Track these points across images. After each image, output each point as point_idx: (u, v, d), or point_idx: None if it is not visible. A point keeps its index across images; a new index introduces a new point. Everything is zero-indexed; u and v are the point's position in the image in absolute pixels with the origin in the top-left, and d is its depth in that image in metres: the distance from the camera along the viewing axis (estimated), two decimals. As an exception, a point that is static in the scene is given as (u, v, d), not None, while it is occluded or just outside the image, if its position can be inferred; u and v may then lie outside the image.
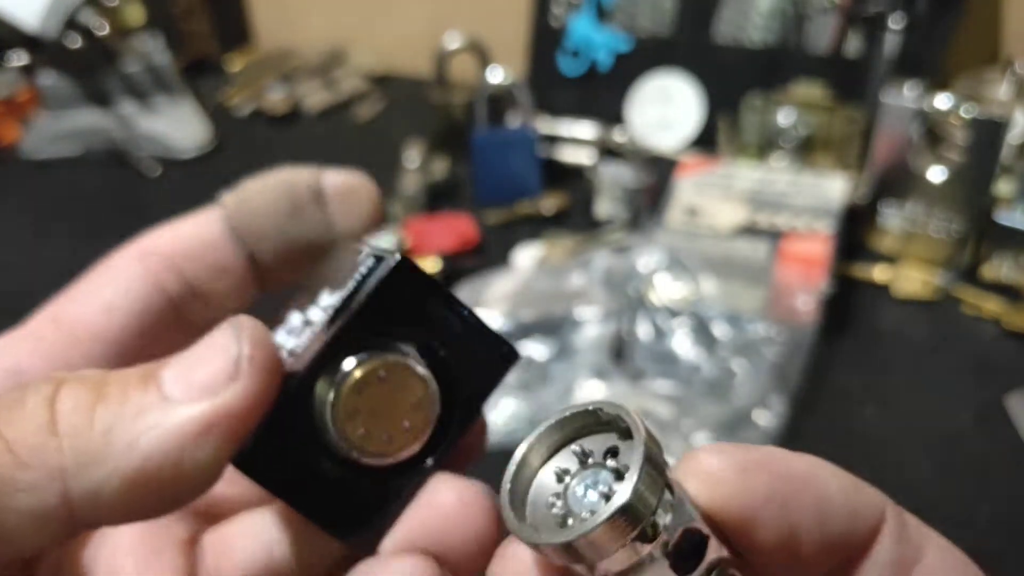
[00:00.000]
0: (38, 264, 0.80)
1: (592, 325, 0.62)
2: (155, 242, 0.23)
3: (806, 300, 0.63)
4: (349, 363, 0.18)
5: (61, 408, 0.16)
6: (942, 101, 0.68)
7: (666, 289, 0.63)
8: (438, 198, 0.84)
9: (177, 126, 0.97)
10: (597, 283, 0.66)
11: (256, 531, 0.21)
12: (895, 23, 0.78)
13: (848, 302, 0.68)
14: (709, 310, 0.62)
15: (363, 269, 0.19)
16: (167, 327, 0.22)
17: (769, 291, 0.64)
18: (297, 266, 0.23)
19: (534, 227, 0.79)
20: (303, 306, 0.20)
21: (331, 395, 0.18)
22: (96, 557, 0.21)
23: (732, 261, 0.66)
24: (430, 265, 0.71)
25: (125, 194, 0.91)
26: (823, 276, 0.64)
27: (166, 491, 0.17)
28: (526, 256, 0.74)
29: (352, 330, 0.19)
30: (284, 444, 0.19)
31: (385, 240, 0.72)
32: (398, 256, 0.19)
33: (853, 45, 0.82)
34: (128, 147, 0.95)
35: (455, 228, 0.76)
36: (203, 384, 0.17)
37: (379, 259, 0.19)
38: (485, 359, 0.20)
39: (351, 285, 0.19)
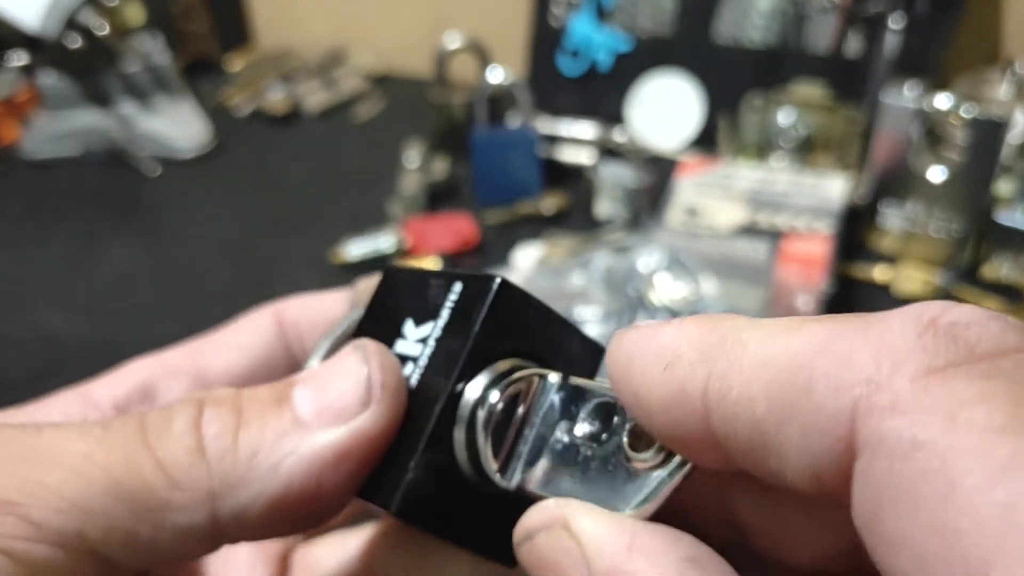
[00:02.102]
0: (38, 265, 0.80)
1: (592, 325, 0.62)
2: (290, 306, 0.25)
3: (806, 300, 0.63)
4: (492, 394, 0.19)
5: (207, 432, 0.17)
6: (942, 101, 0.68)
7: (666, 289, 0.63)
8: (438, 198, 0.84)
9: (177, 126, 0.97)
10: (597, 283, 0.66)
11: (341, 552, 0.23)
12: (895, 23, 0.78)
13: (848, 302, 0.68)
14: (709, 310, 0.62)
15: (453, 296, 0.19)
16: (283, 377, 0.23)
17: (769, 291, 0.64)
18: None
19: (534, 227, 0.79)
20: (379, 338, 0.20)
21: (479, 422, 0.18)
22: (199, 566, 0.22)
23: (732, 261, 0.66)
24: (430, 265, 0.71)
25: (125, 194, 0.91)
26: (823, 276, 0.64)
27: (305, 512, 0.18)
28: (526, 256, 0.74)
29: (478, 354, 0.19)
30: (431, 477, 0.18)
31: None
32: (499, 278, 0.19)
33: (853, 45, 0.82)
34: (128, 147, 0.95)
35: (455, 228, 0.76)
36: (336, 409, 0.18)
37: (467, 281, 0.19)
38: (580, 359, 0.21)
39: (446, 314, 0.19)
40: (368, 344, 0.19)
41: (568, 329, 0.20)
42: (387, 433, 0.18)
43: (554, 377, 0.19)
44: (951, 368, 0.12)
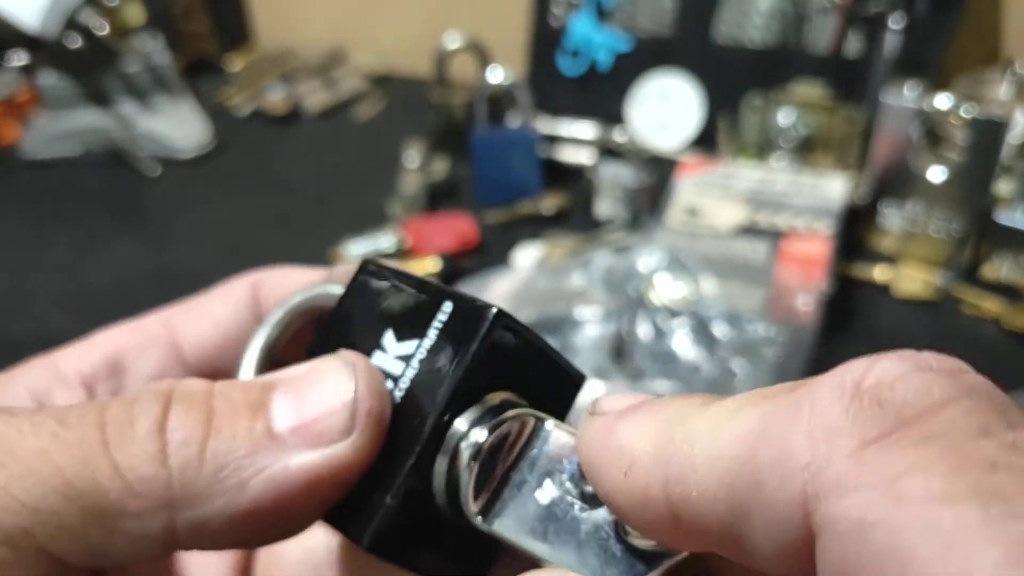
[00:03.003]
0: (38, 264, 0.80)
1: (592, 325, 0.62)
2: (267, 278, 0.23)
3: (806, 300, 0.63)
4: (479, 432, 0.17)
5: (172, 438, 0.16)
6: (942, 101, 0.68)
7: (666, 289, 0.63)
8: (438, 198, 0.84)
9: (177, 126, 0.97)
10: (597, 283, 0.66)
11: (306, 546, 0.22)
12: (895, 23, 0.78)
13: (848, 302, 0.68)
14: (709, 310, 0.62)
15: (442, 317, 0.18)
16: None
17: (769, 291, 0.64)
18: None
19: (534, 227, 0.79)
20: (359, 345, 0.19)
21: (464, 459, 0.17)
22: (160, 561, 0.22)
23: (732, 261, 0.66)
24: (430, 265, 0.71)
25: (125, 194, 0.91)
26: (823, 276, 0.64)
27: (267, 530, 0.17)
28: (526, 256, 0.74)
29: (467, 387, 0.17)
30: (405, 511, 0.18)
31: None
32: (495, 308, 0.18)
33: (853, 45, 0.82)
34: (128, 147, 0.95)
35: (455, 228, 0.76)
36: (316, 431, 0.16)
37: (458, 304, 0.18)
38: (560, 387, 0.20)
39: (433, 335, 0.18)
40: (358, 361, 0.17)
41: (557, 362, 0.19)
42: (365, 463, 0.17)
43: (550, 424, 0.18)
44: (883, 439, 0.12)
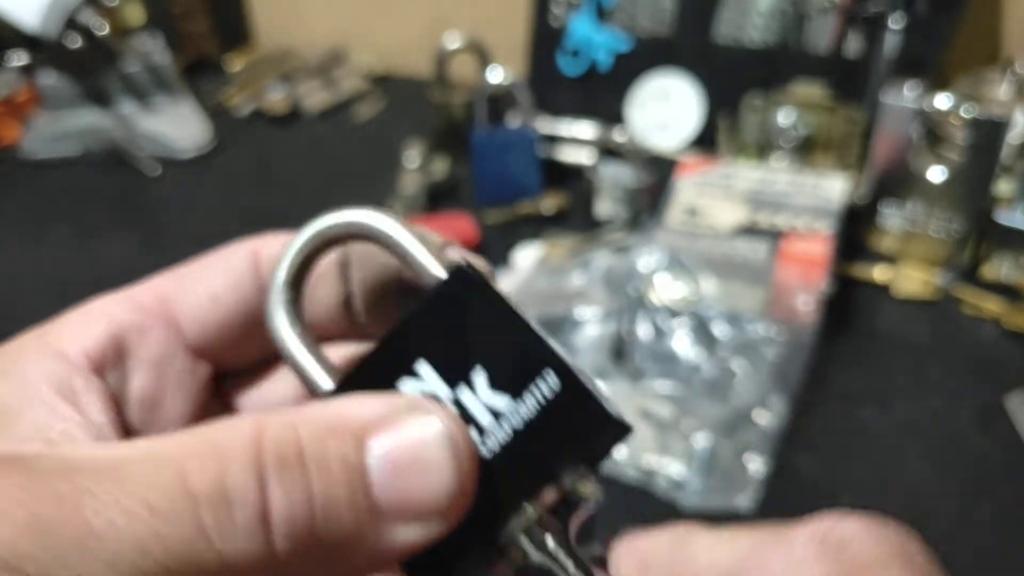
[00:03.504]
0: (38, 264, 0.80)
1: (592, 325, 0.62)
2: (268, 244, 0.22)
3: (806, 300, 0.63)
4: (547, 494, 0.18)
5: (277, 529, 0.15)
6: (942, 101, 0.68)
7: (666, 289, 0.63)
8: (438, 198, 0.84)
9: (177, 126, 0.97)
10: (597, 283, 0.66)
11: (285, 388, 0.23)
12: (895, 23, 0.78)
13: (848, 302, 0.68)
14: (709, 310, 0.62)
15: (545, 389, 0.17)
16: (261, 327, 0.21)
17: (769, 291, 0.64)
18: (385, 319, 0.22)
19: (534, 227, 0.79)
20: (446, 371, 0.18)
21: (526, 527, 0.18)
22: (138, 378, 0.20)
23: (732, 261, 0.66)
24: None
25: (125, 194, 0.91)
26: (823, 276, 0.64)
27: None
28: (526, 256, 0.74)
29: (550, 467, 0.17)
30: (454, 555, 0.18)
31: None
32: (624, 423, 0.18)
33: (853, 45, 0.82)
34: (128, 147, 0.95)
35: (455, 228, 0.76)
36: (418, 512, 0.16)
37: (568, 383, 0.17)
38: (607, 438, 0.19)
39: (533, 406, 0.17)
40: (459, 439, 0.16)
41: (618, 420, 0.19)
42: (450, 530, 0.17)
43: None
44: None
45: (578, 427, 0.17)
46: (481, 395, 0.18)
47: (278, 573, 0.15)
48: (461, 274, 0.18)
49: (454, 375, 0.18)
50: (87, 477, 0.14)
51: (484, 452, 0.17)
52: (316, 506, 0.15)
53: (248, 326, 0.21)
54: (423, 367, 0.18)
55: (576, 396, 0.17)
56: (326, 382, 0.19)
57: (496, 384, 0.18)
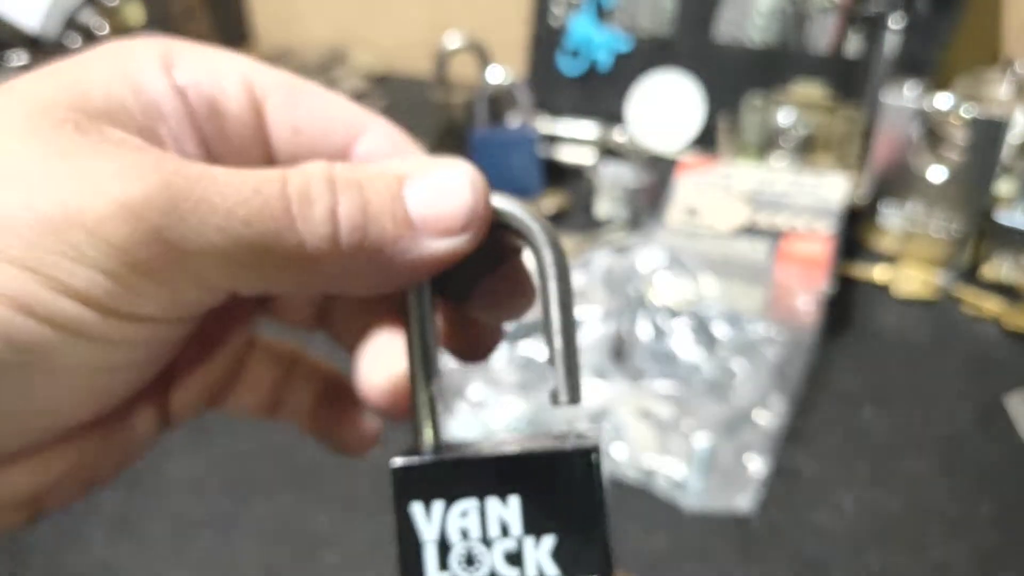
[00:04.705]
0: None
1: (592, 325, 0.62)
2: (181, 50, 0.22)
3: (806, 300, 0.63)
4: None
5: (343, 225, 0.19)
6: (942, 101, 0.68)
7: (666, 289, 0.63)
8: (438, 198, 0.84)
9: (177, 126, 0.97)
10: (597, 283, 0.66)
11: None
12: (895, 23, 0.78)
13: (848, 302, 0.68)
14: (709, 310, 0.62)
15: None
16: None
17: (769, 291, 0.64)
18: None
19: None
20: (524, 513, 0.20)
21: None
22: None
23: (732, 261, 0.66)
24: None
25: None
26: (823, 276, 0.64)
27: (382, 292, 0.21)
28: (526, 256, 0.73)
29: None
30: None
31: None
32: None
33: (853, 45, 0.82)
34: (128, 147, 0.95)
35: (455, 228, 0.76)
36: (446, 226, 0.20)
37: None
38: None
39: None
40: (478, 180, 0.20)
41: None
42: (464, 256, 0.20)
43: None
44: None
45: None
46: (540, 555, 0.20)
47: (338, 265, 0.19)
48: (593, 455, 0.20)
49: (532, 525, 0.20)
50: (209, 167, 0.18)
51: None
52: (368, 213, 0.19)
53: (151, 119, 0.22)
54: (513, 500, 0.20)
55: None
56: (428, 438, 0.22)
57: (556, 556, 0.20)
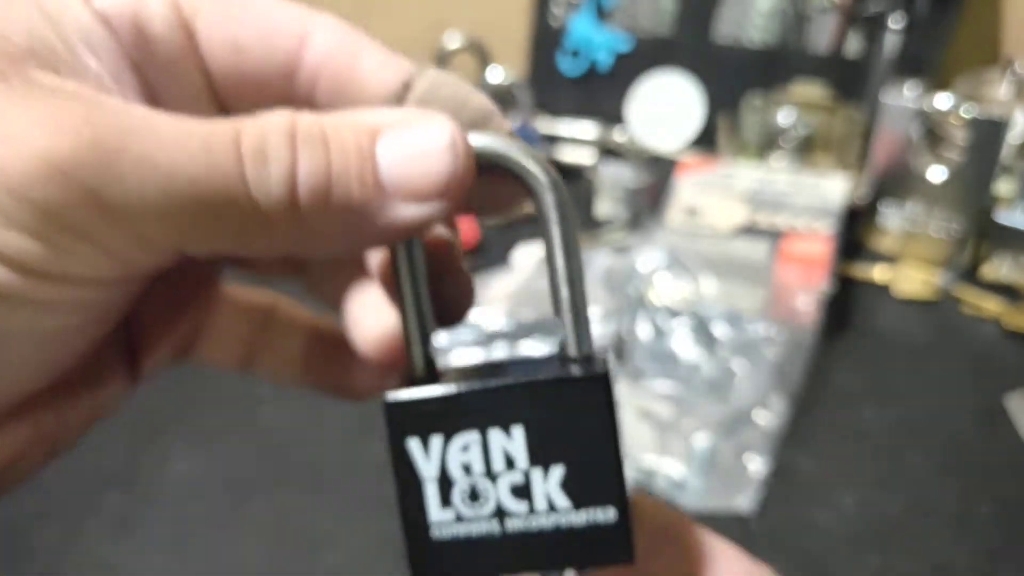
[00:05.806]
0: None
1: (592, 325, 0.62)
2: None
3: (806, 300, 0.63)
4: None
5: (302, 188, 0.17)
6: (942, 101, 0.68)
7: (666, 289, 0.63)
8: (438, 198, 0.84)
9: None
10: (597, 283, 0.66)
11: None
12: (895, 23, 0.78)
13: (848, 302, 0.68)
14: (709, 310, 0.62)
15: (599, 518, 0.19)
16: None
17: (769, 291, 0.64)
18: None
19: (534, 227, 0.78)
20: (529, 444, 0.19)
21: None
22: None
23: (732, 261, 0.66)
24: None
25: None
26: (823, 276, 0.64)
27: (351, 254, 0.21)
28: (526, 256, 0.74)
29: (560, 564, 0.20)
30: None
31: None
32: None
33: (853, 45, 0.82)
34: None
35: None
36: (421, 192, 0.18)
37: (619, 510, 0.19)
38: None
39: (582, 520, 0.19)
40: (458, 139, 0.18)
41: None
42: (440, 219, 0.18)
43: None
44: None
45: (601, 555, 0.19)
46: (550, 486, 0.19)
47: (298, 229, 0.17)
48: (603, 382, 0.19)
49: (539, 455, 0.19)
50: (151, 117, 0.16)
51: (520, 525, 0.19)
52: (332, 174, 0.17)
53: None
54: (517, 430, 0.19)
55: (615, 536, 0.19)
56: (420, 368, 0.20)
57: (565, 487, 0.19)
